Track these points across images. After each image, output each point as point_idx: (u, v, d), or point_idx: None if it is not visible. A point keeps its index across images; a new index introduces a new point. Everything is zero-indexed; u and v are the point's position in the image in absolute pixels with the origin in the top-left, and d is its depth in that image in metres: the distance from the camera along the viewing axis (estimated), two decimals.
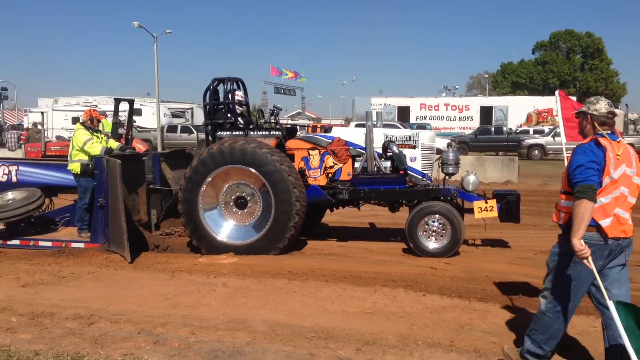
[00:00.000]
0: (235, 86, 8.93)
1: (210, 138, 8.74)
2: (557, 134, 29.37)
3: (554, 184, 17.54)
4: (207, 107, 8.74)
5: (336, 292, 6.03)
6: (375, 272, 6.78)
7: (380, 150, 8.24)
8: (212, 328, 5.00)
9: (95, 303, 5.73)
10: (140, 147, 16.62)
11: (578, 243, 3.61)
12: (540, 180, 18.35)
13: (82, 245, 8.09)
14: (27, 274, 6.88)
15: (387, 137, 8.34)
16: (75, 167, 8.43)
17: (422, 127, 33.80)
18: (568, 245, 3.70)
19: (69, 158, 8.60)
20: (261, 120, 9.01)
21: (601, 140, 3.79)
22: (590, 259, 3.62)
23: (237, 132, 8.43)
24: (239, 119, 8.85)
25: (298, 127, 19.06)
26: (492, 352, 4.44)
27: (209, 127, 8.74)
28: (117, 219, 7.47)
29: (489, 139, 32.11)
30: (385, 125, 15.59)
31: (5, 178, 9.15)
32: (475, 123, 41.10)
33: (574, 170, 3.76)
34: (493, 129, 33.50)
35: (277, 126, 8.73)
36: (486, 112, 42.43)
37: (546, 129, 32.25)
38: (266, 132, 8.44)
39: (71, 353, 4.46)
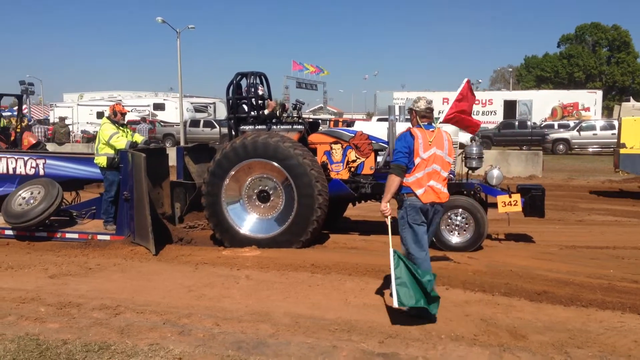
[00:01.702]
0: (258, 80, 8.97)
1: (233, 132, 8.80)
2: (583, 129, 28.99)
3: (579, 178, 17.30)
4: (230, 101, 8.79)
5: (359, 285, 6.05)
6: None
7: None
8: (235, 319, 5.05)
9: (121, 294, 5.82)
10: (30, 139, 16.55)
11: (384, 205, 5.03)
12: (565, 175, 18.10)
13: (107, 237, 8.22)
14: (54, 265, 7.02)
15: None
16: (101, 160, 8.55)
17: None
18: (401, 210, 5.08)
19: (95, 152, 8.73)
20: (284, 115, 9.03)
21: (413, 130, 5.01)
22: (389, 218, 5.05)
23: (259, 126, 8.48)
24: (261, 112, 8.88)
25: (320, 121, 18.98)
26: (516, 346, 4.41)
27: (232, 121, 8.79)
28: (141, 212, 7.57)
29: (512, 133, 31.72)
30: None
31: (33, 171, 9.32)
32: (499, 117, 40.51)
33: (392, 152, 5.00)
34: (517, 123, 33.07)
35: (300, 120, 8.74)
36: (510, 106, 41.84)
37: (571, 123, 31.78)
38: (289, 126, 8.47)
39: (98, 342, 4.54)
